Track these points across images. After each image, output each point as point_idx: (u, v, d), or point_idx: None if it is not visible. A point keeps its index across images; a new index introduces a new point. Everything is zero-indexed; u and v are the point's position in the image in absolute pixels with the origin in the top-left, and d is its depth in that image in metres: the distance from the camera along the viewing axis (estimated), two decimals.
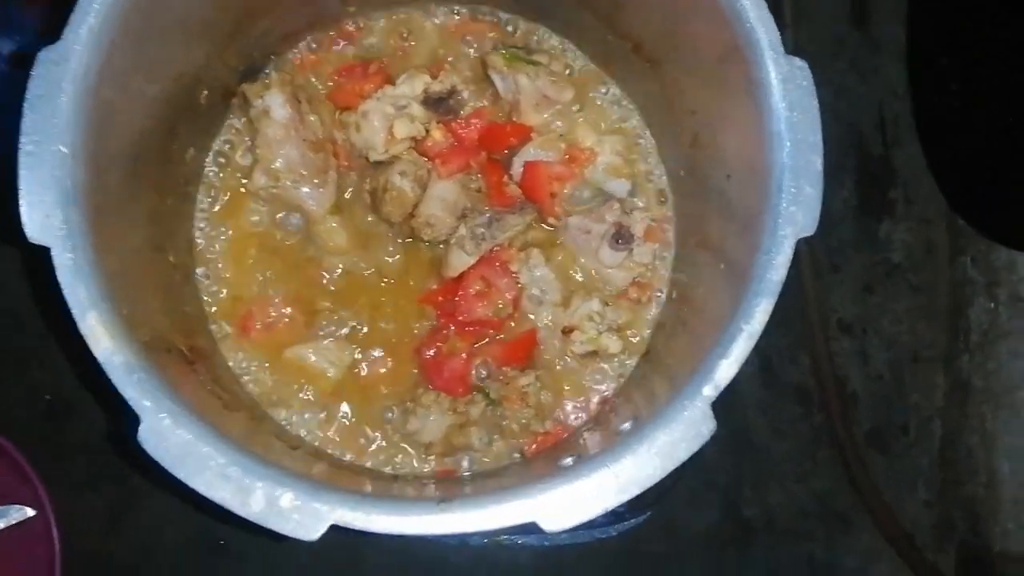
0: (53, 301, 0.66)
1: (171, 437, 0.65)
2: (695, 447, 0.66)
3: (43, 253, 0.67)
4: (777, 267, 0.69)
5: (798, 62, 0.71)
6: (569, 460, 0.74)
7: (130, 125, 0.76)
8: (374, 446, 0.95)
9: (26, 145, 0.67)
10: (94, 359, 0.66)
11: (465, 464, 0.95)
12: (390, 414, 0.96)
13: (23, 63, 1.21)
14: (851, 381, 1.37)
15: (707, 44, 0.78)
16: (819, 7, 1.41)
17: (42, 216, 0.66)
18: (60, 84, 0.67)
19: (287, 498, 0.65)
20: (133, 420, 0.66)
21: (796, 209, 0.69)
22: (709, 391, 0.68)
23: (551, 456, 0.86)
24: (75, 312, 0.66)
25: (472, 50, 1.00)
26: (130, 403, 0.66)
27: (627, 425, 0.75)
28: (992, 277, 1.32)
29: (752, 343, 0.68)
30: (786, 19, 1.36)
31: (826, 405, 1.35)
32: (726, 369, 0.68)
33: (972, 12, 1.29)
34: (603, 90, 1.00)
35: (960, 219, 1.33)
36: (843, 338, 1.38)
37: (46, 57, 0.68)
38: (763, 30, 0.71)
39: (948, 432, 1.34)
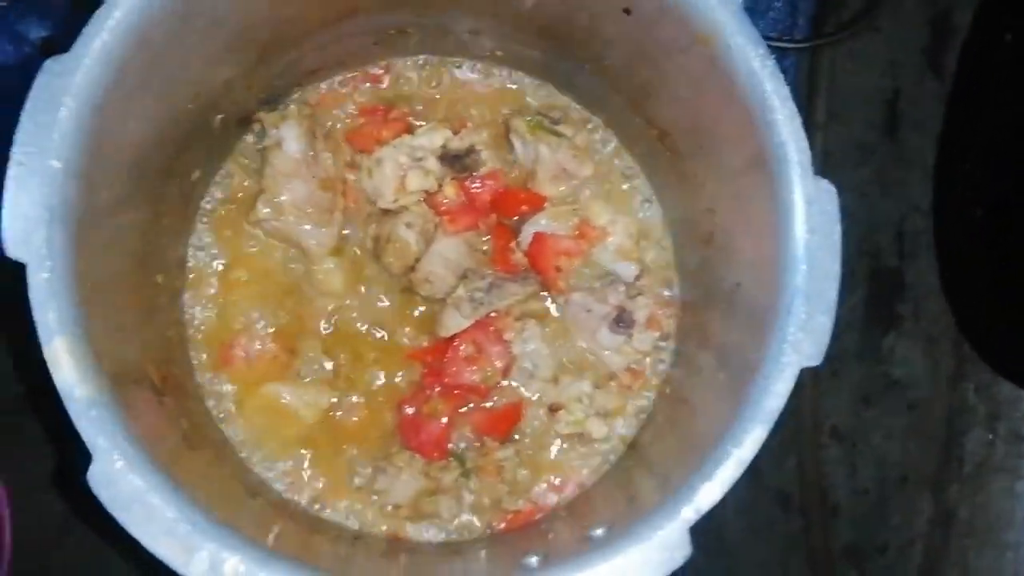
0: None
1: (121, 482, 0.62)
2: (666, 572, 0.63)
3: (19, 268, 0.64)
4: (776, 395, 0.66)
5: (826, 185, 0.69)
6: (534, 560, 0.71)
7: (133, 144, 0.74)
8: (339, 499, 0.92)
9: (17, 156, 0.64)
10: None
11: (430, 533, 0.92)
12: (360, 467, 0.93)
13: (53, 51, 1.21)
14: (835, 492, 1.34)
15: (734, 149, 0.76)
16: (853, 111, 1.39)
17: (24, 231, 0.64)
18: (62, 97, 0.65)
19: (232, 564, 0.61)
20: (85, 457, 0.63)
21: (804, 337, 0.67)
22: (688, 514, 0.65)
23: (517, 546, 0.83)
24: (41, 336, 0.63)
25: (497, 111, 0.98)
26: (84, 440, 0.62)
27: (600, 531, 0.72)
28: (993, 409, 1.29)
29: (740, 470, 0.65)
30: (818, 119, 1.34)
31: (806, 512, 1.32)
32: (709, 493, 0.65)
33: (1007, 141, 1.27)
34: (624, 171, 0.98)
35: (967, 345, 1.31)
36: (833, 446, 1.35)
37: (51, 67, 0.65)
38: (794, 147, 0.69)
39: (928, 560, 1.30)
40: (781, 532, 1.31)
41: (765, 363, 0.67)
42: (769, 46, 1.13)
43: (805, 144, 0.69)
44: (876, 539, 1.33)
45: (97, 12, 0.66)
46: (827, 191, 0.69)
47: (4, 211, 0.64)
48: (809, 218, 0.68)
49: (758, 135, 0.71)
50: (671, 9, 0.72)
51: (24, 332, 0.64)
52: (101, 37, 0.66)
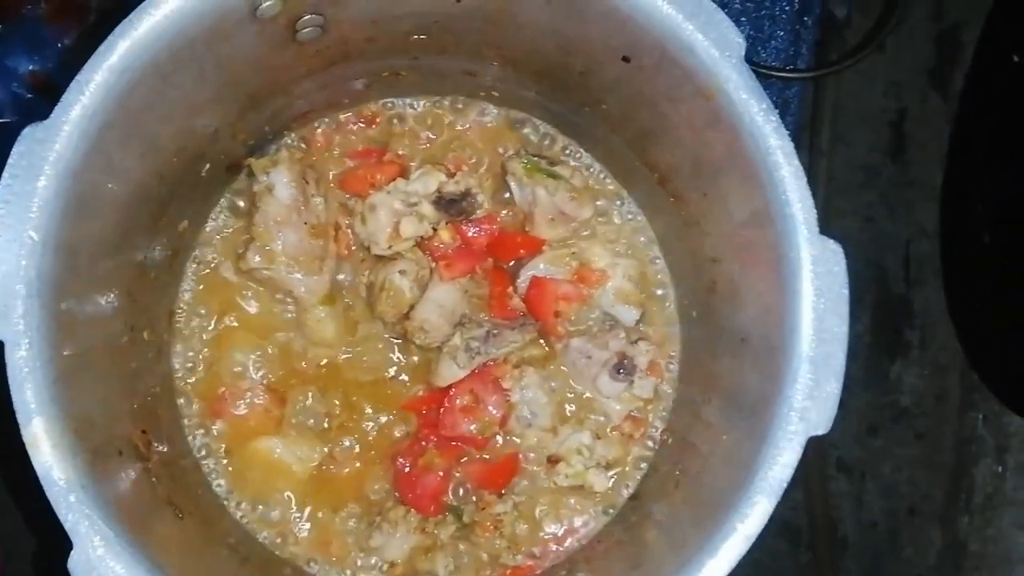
0: None
1: (101, 568, 0.60)
2: None
3: None
4: (782, 466, 0.63)
5: (832, 244, 0.66)
6: None
7: (115, 205, 0.71)
8: (333, 558, 0.89)
9: None
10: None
11: None
12: (353, 523, 0.91)
13: (44, 88, 1.18)
14: (843, 524, 1.32)
15: (737, 202, 0.73)
16: (858, 134, 1.37)
17: (0, 307, 0.61)
18: (41, 166, 0.63)
19: None
20: (65, 540, 0.61)
21: (811, 405, 0.64)
22: None
23: None
24: (20, 417, 0.61)
25: (494, 152, 0.96)
26: (64, 526, 0.60)
27: None
28: (1002, 441, 1.27)
29: (747, 545, 0.63)
30: (823, 143, 1.31)
31: (814, 546, 1.29)
32: (714, 570, 0.63)
33: (1014, 163, 1.25)
34: (625, 213, 0.95)
35: (976, 374, 1.28)
36: (840, 478, 1.33)
37: (31, 134, 0.63)
38: (799, 206, 0.66)
39: None
40: (789, 566, 1.29)
41: (771, 432, 0.65)
42: (773, 77, 1.12)
43: (811, 203, 0.67)
44: (885, 572, 1.31)
45: (76, 77, 0.63)
46: (834, 250, 0.67)
47: None
48: (815, 279, 0.66)
49: (763, 190, 0.69)
50: (671, 60, 0.70)
51: (2, 410, 0.62)
52: (81, 103, 0.63)
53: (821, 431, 0.65)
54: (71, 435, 0.63)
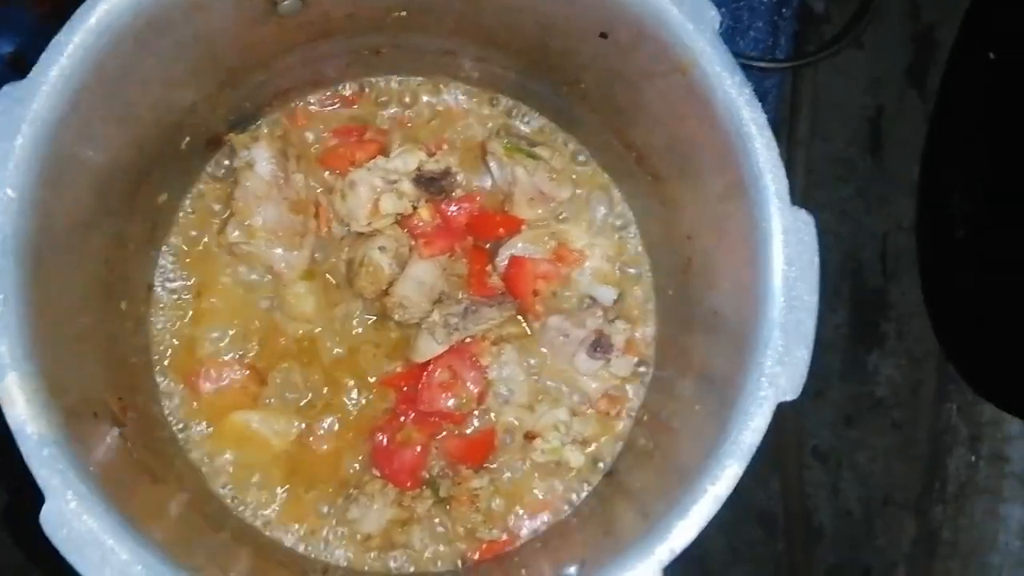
0: None
1: (75, 522, 0.60)
2: None
3: None
4: (752, 430, 0.64)
5: (803, 215, 0.67)
6: None
7: (92, 171, 0.72)
8: (308, 530, 0.90)
9: None
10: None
11: (399, 564, 0.90)
12: (330, 495, 0.91)
13: (24, 69, 1.18)
14: (819, 513, 1.33)
15: (713, 175, 0.74)
16: (836, 128, 1.39)
17: None
18: (19, 124, 0.63)
19: None
20: (38, 496, 0.61)
21: (780, 371, 0.65)
22: (663, 554, 0.63)
23: None
24: None
25: (473, 132, 0.96)
26: (37, 480, 0.60)
27: (572, 570, 0.70)
28: (976, 431, 1.28)
29: (717, 507, 0.64)
30: (800, 137, 1.33)
31: (790, 534, 1.30)
32: (684, 531, 0.64)
33: (990, 159, 1.26)
34: (602, 194, 0.96)
35: (951, 365, 1.30)
36: (817, 467, 1.34)
37: (8, 92, 0.64)
38: (771, 176, 0.67)
39: None
40: (764, 554, 1.30)
41: (742, 397, 0.66)
42: (750, 67, 1.13)
43: (783, 173, 0.68)
44: (860, 561, 1.32)
45: (55, 38, 0.64)
46: (804, 221, 0.68)
47: None
48: (787, 248, 0.67)
49: (736, 162, 0.70)
50: (648, 35, 0.71)
51: None
52: (59, 63, 0.64)
53: (790, 397, 0.66)
54: (45, 393, 0.63)
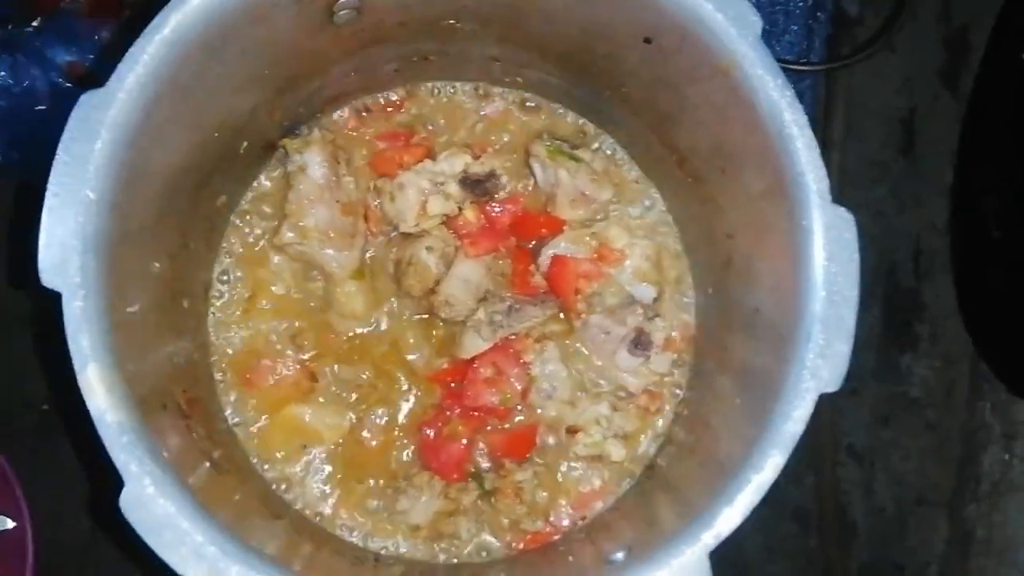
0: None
1: (152, 506, 0.63)
2: None
3: (55, 296, 0.66)
4: (795, 421, 0.67)
5: (844, 212, 0.70)
6: None
7: (162, 173, 0.75)
8: (360, 520, 0.93)
9: (54, 187, 0.66)
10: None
11: (447, 553, 0.93)
12: (379, 488, 0.94)
13: (81, 78, 1.22)
14: (853, 510, 1.34)
15: (753, 176, 0.77)
16: (870, 129, 1.40)
17: (58, 261, 0.65)
18: (98, 130, 0.67)
19: None
20: (118, 481, 0.64)
21: (822, 364, 0.67)
22: (709, 539, 0.65)
23: (537, 570, 0.84)
24: (76, 363, 0.64)
25: (517, 135, 0.99)
26: (117, 465, 0.64)
27: (619, 555, 0.72)
28: (1010, 429, 1.29)
29: (760, 496, 0.66)
30: (834, 138, 1.34)
31: (823, 531, 1.32)
32: (729, 518, 0.66)
33: (1022, 162, 1.27)
34: (642, 195, 0.99)
35: (984, 364, 1.30)
36: (851, 465, 1.35)
37: (88, 100, 0.67)
38: (812, 176, 0.70)
39: None
40: (798, 550, 1.31)
41: (784, 389, 0.68)
42: (786, 69, 1.15)
43: (823, 172, 0.70)
44: (893, 559, 1.33)
45: (131, 48, 0.67)
46: (845, 218, 0.70)
47: (41, 240, 0.65)
48: (827, 245, 0.69)
49: (777, 162, 0.72)
50: (691, 39, 0.74)
51: (59, 359, 0.66)
52: (135, 72, 0.67)
53: (831, 389, 0.68)
54: (122, 384, 0.66)
